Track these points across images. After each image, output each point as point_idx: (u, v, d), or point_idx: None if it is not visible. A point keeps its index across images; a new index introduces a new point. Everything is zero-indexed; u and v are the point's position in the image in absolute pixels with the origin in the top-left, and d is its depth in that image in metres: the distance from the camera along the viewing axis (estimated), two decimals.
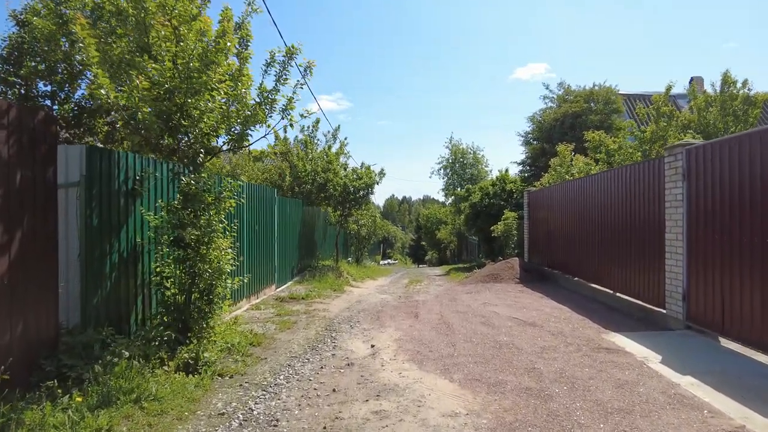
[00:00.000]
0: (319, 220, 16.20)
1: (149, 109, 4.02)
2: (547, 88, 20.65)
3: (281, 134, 16.51)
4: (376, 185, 15.24)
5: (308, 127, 17.29)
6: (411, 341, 6.09)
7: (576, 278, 10.38)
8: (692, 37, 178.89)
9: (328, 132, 17.51)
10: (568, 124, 17.03)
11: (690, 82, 19.99)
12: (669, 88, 11.87)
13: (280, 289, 10.96)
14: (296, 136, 17.08)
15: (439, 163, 37.91)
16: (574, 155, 13.25)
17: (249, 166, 15.80)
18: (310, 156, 15.34)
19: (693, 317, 5.91)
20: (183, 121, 4.32)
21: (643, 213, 7.28)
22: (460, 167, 37.38)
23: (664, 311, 6.53)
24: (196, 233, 5.05)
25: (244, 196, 8.32)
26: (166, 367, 4.44)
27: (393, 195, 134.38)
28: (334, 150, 15.99)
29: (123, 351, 3.95)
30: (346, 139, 16.99)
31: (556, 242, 11.67)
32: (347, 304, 9.59)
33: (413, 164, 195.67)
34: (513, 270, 12.49)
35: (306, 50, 5.31)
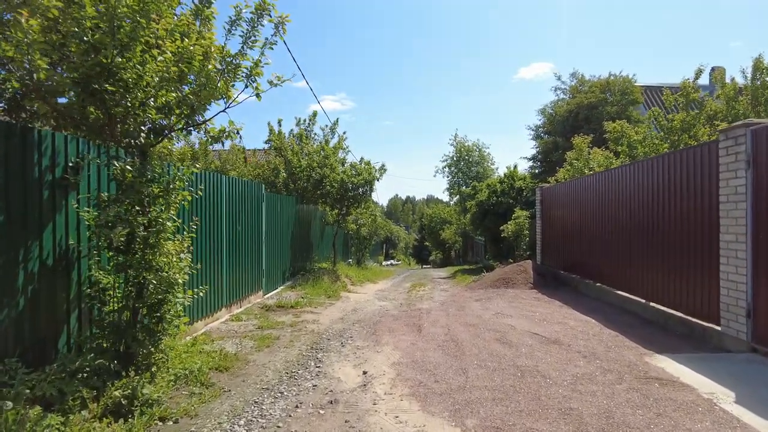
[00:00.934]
0: (316, 219, 15.14)
1: (52, 67, 2.95)
2: (558, 79, 19.47)
3: (275, 127, 15.49)
4: (376, 181, 14.15)
5: (305, 121, 16.28)
6: (412, 366, 4.99)
7: (599, 284, 9.25)
8: (697, 37, 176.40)
9: (326, 126, 16.51)
10: (583, 116, 15.84)
11: (711, 72, 18.77)
12: (699, 73, 10.70)
13: (268, 295, 9.90)
14: (291, 130, 16.03)
15: (443, 161, 36.71)
16: (591, 148, 12.11)
17: (240, 161, 14.76)
18: (305, 150, 14.27)
19: (762, 338, 4.78)
20: (108, 86, 3.25)
21: (685, 210, 6.16)
22: (466, 165, 36.18)
23: (719, 328, 5.40)
24: (141, 233, 4.00)
25: (200, 187, 7.29)
26: (86, 412, 3.36)
27: (397, 195, 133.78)
28: (331, 145, 14.94)
29: (10, 397, 2.87)
30: (345, 133, 15.96)
31: (575, 243, 10.55)
32: (341, 313, 8.51)
33: (417, 164, 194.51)
34: (526, 274, 11.37)
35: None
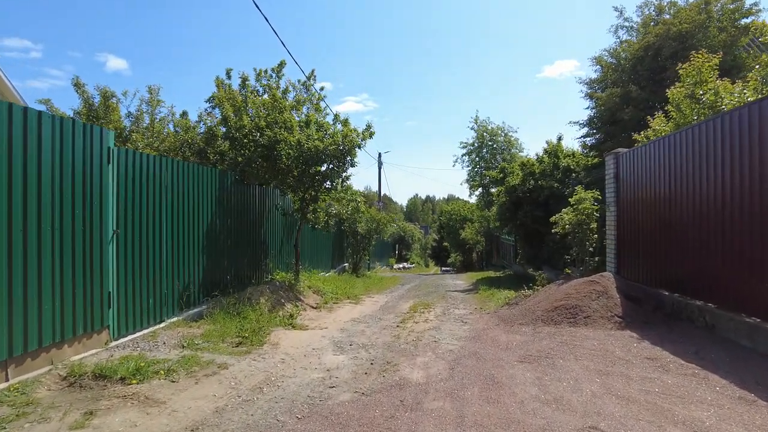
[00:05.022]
0: (274, 209, 10.49)
1: None
2: (620, 15, 14.01)
3: (225, 81, 10.91)
4: (358, 149, 9.36)
5: (265, 72, 11.58)
6: None
7: None
8: None
9: (298, 82, 11.83)
10: (669, 53, 10.53)
11: None
12: None
13: (124, 340, 5.26)
14: (244, 83, 11.36)
15: (463, 147, 31.61)
16: (718, 79, 7.04)
17: (159, 126, 10.20)
18: (250, 104, 9.59)
19: None
20: None
21: None
22: (489, 152, 30.99)
23: None
24: None
25: None
26: None
27: (417, 194, 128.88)
28: (293, 98, 10.25)
29: None
30: (323, 89, 11.34)
31: (697, 241, 5.54)
32: (215, 404, 3.75)
33: (439, 164, 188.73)
34: (606, 298, 6.39)
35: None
